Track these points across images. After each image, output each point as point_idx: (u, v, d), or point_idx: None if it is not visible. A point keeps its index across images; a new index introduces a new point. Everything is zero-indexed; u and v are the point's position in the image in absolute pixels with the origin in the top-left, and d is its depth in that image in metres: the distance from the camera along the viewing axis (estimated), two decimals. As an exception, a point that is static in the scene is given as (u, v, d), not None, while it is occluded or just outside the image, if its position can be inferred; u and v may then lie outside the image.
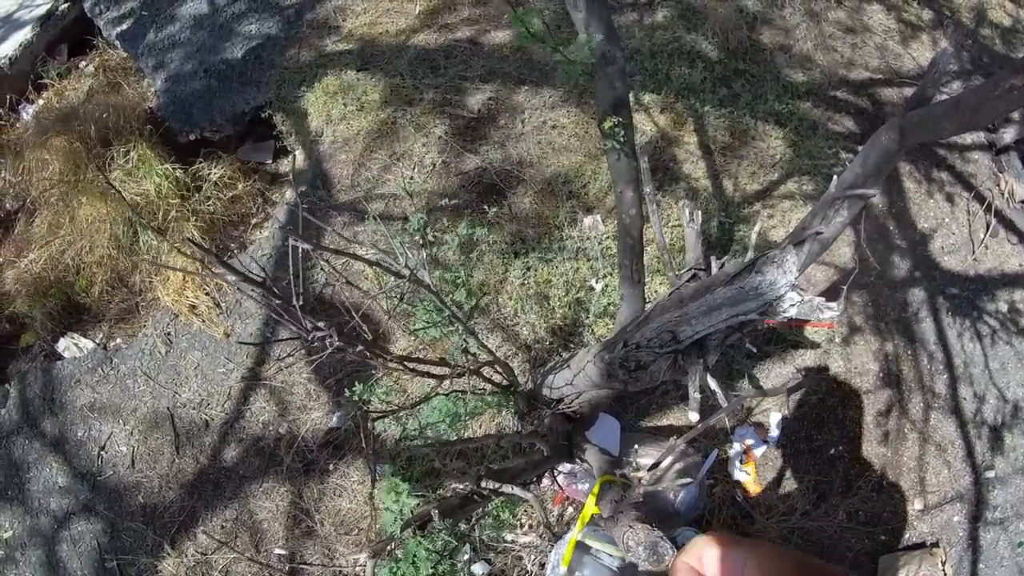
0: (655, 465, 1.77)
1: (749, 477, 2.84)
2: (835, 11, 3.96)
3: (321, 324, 1.09)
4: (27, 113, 4.16)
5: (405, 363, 1.44)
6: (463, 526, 1.54)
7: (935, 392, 3.10)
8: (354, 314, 1.37)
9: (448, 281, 1.85)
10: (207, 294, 3.37)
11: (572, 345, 3.01)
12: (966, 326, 3.23)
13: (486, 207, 3.23)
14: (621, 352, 1.74)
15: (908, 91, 3.73)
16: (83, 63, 4.34)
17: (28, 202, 3.77)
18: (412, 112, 3.55)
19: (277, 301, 1.03)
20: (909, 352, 3.15)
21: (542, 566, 2.68)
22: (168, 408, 3.22)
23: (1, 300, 3.56)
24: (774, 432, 2.95)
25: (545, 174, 3.37)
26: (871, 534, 2.87)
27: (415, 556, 1.34)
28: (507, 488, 1.42)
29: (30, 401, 3.36)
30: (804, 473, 2.93)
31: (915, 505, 2.93)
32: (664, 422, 2.97)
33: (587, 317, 3.06)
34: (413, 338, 2.89)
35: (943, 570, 2.79)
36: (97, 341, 3.47)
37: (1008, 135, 3.62)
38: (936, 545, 2.87)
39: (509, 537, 2.65)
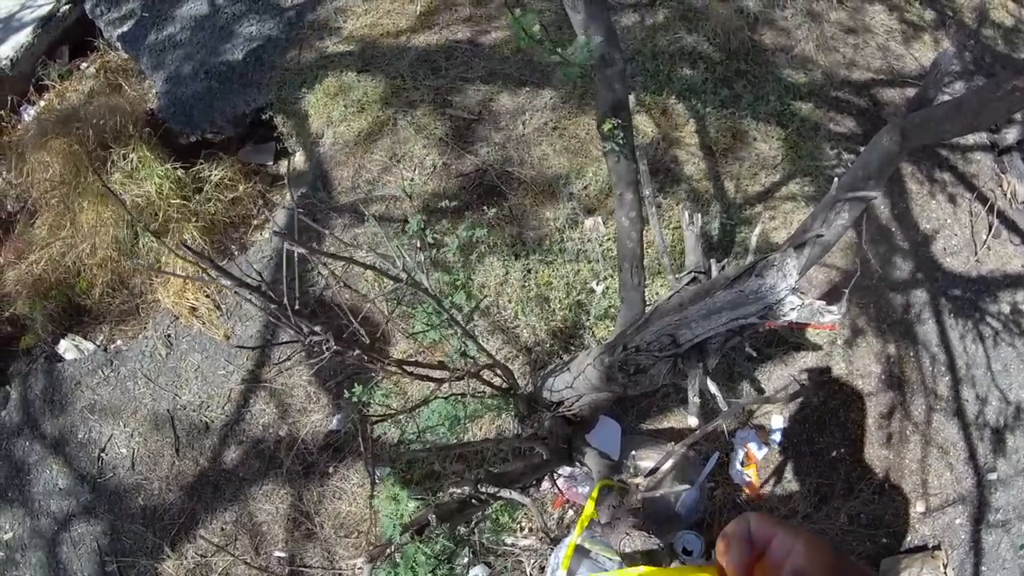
0: (653, 471, 1.76)
1: (750, 480, 2.83)
2: (836, 11, 3.95)
3: (317, 328, 1.08)
4: (28, 115, 4.16)
5: (403, 366, 1.43)
6: (462, 529, 1.53)
7: (937, 394, 3.09)
8: (352, 317, 1.36)
9: (448, 283, 1.85)
10: (207, 296, 3.37)
11: (573, 348, 3.01)
12: (968, 328, 3.22)
13: (486, 208, 3.25)
14: (620, 355, 1.74)
15: (910, 92, 3.72)
16: (84, 64, 4.34)
17: (29, 204, 3.77)
18: (413, 113, 3.54)
19: (273, 305, 1.03)
20: (911, 354, 3.14)
21: (542, 569, 2.68)
22: (168, 410, 3.22)
23: (2, 302, 3.56)
24: (775, 435, 2.94)
25: (546, 175, 3.36)
26: (873, 537, 2.86)
27: (414, 561, 1.34)
28: (505, 492, 1.41)
29: (31, 403, 3.36)
30: (805, 476, 2.92)
31: (917, 508, 2.92)
32: (665, 425, 2.96)
33: (588, 319, 3.05)
34: (413, 341, 2.89)
35: (945, 573, 2.78)
36: (98, 343, 3.47)
37: (1011, 136, 3.60)
38: (938, 548, 2.85)
39: (509, 540, 2.65)
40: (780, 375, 3.05)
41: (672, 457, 1.63)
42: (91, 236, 3.40)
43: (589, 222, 3.24)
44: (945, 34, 3.98)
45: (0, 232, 3.83)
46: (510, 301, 3.10)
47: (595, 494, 1.65)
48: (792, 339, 3.09)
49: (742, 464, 2.85)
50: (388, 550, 1.30)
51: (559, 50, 1.27)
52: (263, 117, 3.80)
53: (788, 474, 2.93)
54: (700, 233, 1.98)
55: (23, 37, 4.17)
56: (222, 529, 2.98)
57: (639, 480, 1.64)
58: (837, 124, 3.58)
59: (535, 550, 2.70)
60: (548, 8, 3.83)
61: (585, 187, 3.32)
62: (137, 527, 3.04)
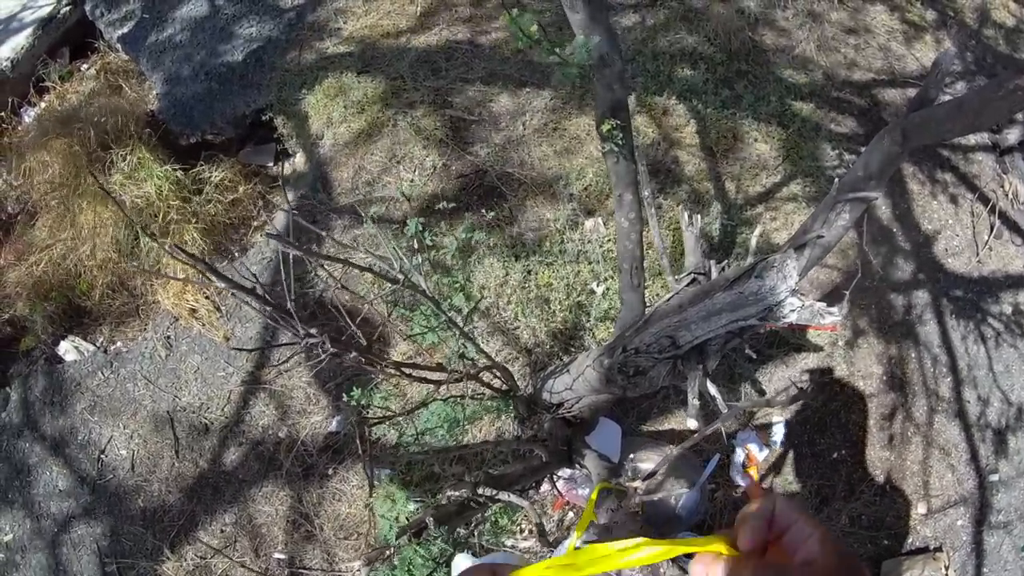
0: (651, 474, 1.76)
1: (751, 481, 2.83)
2: (837, 12, 3.94)
3: (314, 330, 1.08)
4: (28, 116, 4.16)
5: (401, 368, 1.42)
6: (462, 531, 1.52)
7: (939, 395, 3.08)
8: (350, 319, 1.36)
9: (447, 285, 1.84)
10: (207, 298, 3.36)
11: (573, 349, 3.00)
12: (970, 328, 3.21)
13: (486, 210, 3.24)
14: (620, 357, 1.73)
15: (911, 92, 3.71)
16: (85, 66, 4.34)
17: (29, 205, 3.77)
18: (413, 114, 3.54)
19: (268, 308, 1.02)
20: (913, 355, 3.13)
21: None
22: (168, 412, 3.21)
23: (2, 303, 3.56)
24: (776, 436, 2.93)
25: (546, 176, 3.36)
26: (874, 539, 2.85)
27: (411, 563, 1.33)
28: (504, 495, 1.40)
29: (31, 404, 3.36)
30: (807, 477, 2.91)
31: (918, 509, 2.91)
32: (666, 426, 2.95)
33: (588, 321, 3.05)
34: (412, 342, 2.88)
35: (946, 574, 2.77)
36: (98, 344, 3.47)
37: (1012, 136, 3.59)
38: (939, 549, 2.84)
39: (508, 543, 2.64)
40: (781, 376, 3.04)
41: (669, 461, 1.62)
42: (91, 237, 3.40)
43: (589, 223, 3.24)
44: (946, 34, 3.97)
45: (0, 234, 3.83)
46: (510, 302, 3.09)
47: (594, 497, 1.64)
48: (793, 340, 3.08)
49: (743, 466, 2.84)
50: (386, 553, 1.29)
51: (557, 50, 1.26)
52: (263, 118, 3.80)
53: (789, 476, 2.92)
54: (700, 234, 1.97)
55: (23, 38, 4.17)
56: (222, 531, 2.98)
57: (637, 483, 1.63)
58: (838, 124, 3.57)
59: (535, 552, 2.69)
60: (548, 8, 3.82)
61: (585, 188, 3.32)
62: (137, 529, 3.04)
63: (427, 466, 2.63)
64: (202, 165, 3.60)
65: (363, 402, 1.70)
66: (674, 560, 2.09)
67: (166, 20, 4.11)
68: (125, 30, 4.12)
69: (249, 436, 3.10)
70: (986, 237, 3.40)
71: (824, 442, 2.97)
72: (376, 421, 1.50)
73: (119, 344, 3.46)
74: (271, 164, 3.87)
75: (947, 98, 2.00)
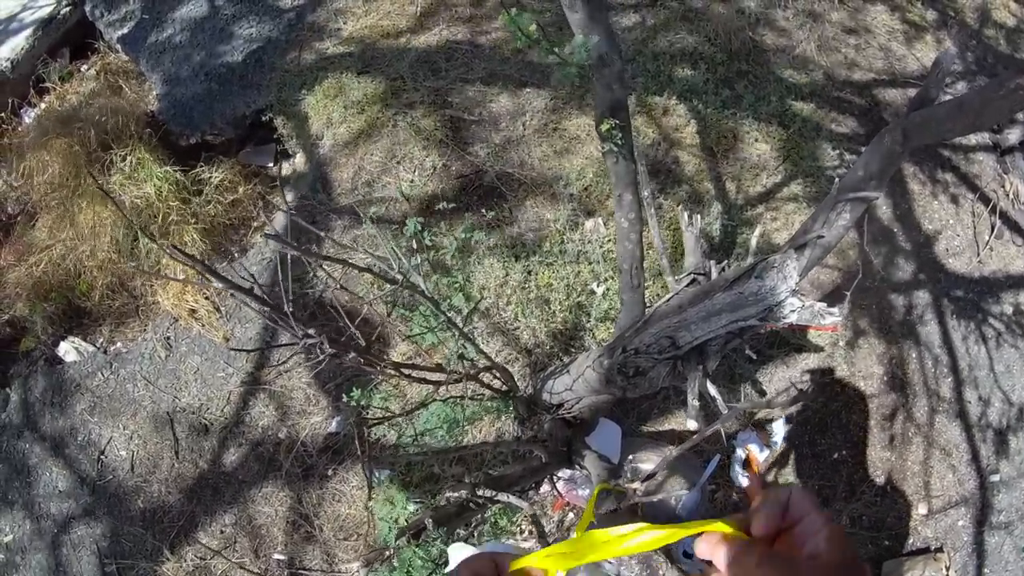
0: (650, 475, 1.75)
1: (753, 476, 2.82)
2: (837, 12, 3.94)
3: (311, 331, 1.07)
4: (28, 117, 4.16)
5: (400, 369, 1.42)
6: (461, 532, 1.52)
7: (940, 396, 3.07)
8: (348, 320, 1.35)
9: (446, 286, 1.84)
10: (207, 298, 3.36)
11: (573, 350, 2.99)
12: (971, 329, 3.20)
13: (486, 210, 3.24)
14: (620, 358, 1.73)
15: (912, 92, 3.71)
16: (85, 67, 4.34)
17: (29, 206, 3.77)
18: (413, 115, 3.54)
19: (266, 308, 1.02)
20: (914, 355, 3.12)
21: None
22: (168, 412, 3.21)
23: (2, 304, 3.56)
24: (777, 437, 2.93)
25: (546, 177, 3.35)
26: (875, 539, 2.84)
27: (410, 565, 1.33)
28: (502, 496, 1.40)
29: (31, 405, 3.36)
30: (807, 478, 2.90)
31: (919, 510, 2.91)
32: (666, 427, 2.94)
33: (588, 321, 3.04)
34: (412, 343, 2.88)
35: (947, 575, 2.77)
36: (98, 345, 3.46)
37: (1013, 136, 3.59)
38: (940, 550, 2.84)
39: (508, 543, 2.63)
40: (782, 376, 3.04)
41: (667, 462, 1.62)
42: (91, 238, 3.39)
43: (589, 223, 3.23)
44: (947, 34, 3.97)
45: (0, 234, 3.83)
46: (510, 303, 3.09)
47: (594, 498, 1.64)
48: (794, 340, 3.07)
49: (743, 466, 2.84)
50: (385, 554, 1.29)
51: (556, 50, 1.26)
52: (263, 119, 3.80)
53: (790, 476, 2.92)
54: (700, 234, 1.96)
55: (23, 39, 4.17)
56: (221, 532, 2.98)
57: (636, 484, 1.63)
58: (839, 125, 3.57)
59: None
60: (549, 8, 3.82)
61: (586, 188, 3.31)
62: (136, 529, 3.03)
63: (427, 467, 2.63)
64: (202, 166, 3.60)
65: (363, 403, 1.69)
66: (673, 562, 2.09)
67: (166, 21, 4.11)
68: (125, 31, 4.12)
69: (249, 437, 3.10)
70: (987, 237, 3.40)
71: (825, 442, 2.97)
72: (375, 422, 1.50)
73: (119, 345, 3.46)
74: (271, 165, 3.87)
75: (948, 98, 2.00)
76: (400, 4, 3.97)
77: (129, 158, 3.47)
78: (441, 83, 3.63)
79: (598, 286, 3.10)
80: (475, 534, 1.54)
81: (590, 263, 3.14)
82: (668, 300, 1.71)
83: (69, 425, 3.27)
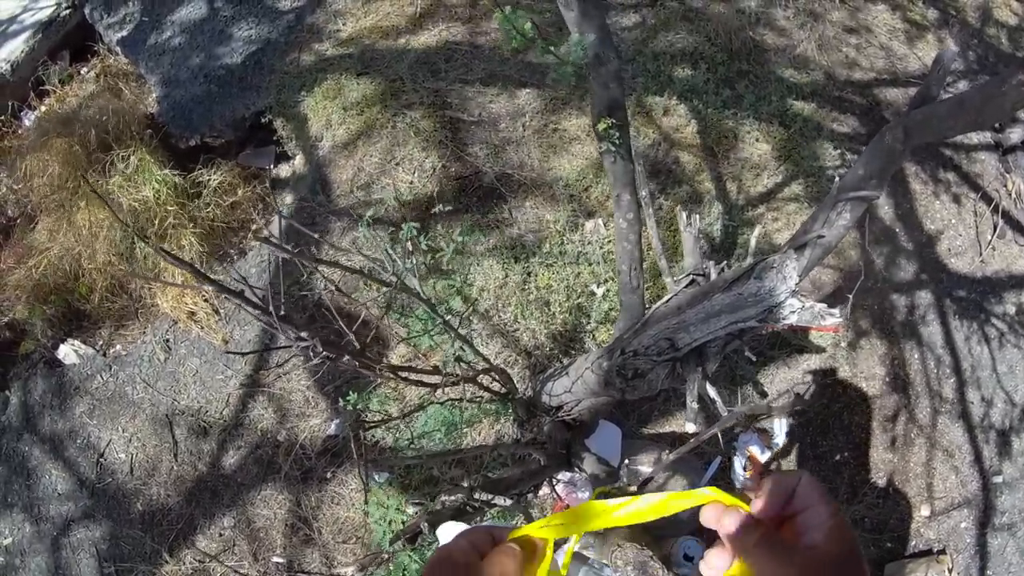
0: (647, 481, 1.74)
1: (753, 484, 2.80)
2: (838, 11, 3.92)
3: (304, 334, 1.06)
4: (28, 119, 4.16)
5: (397, 372, 1.41)
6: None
7: (942, 396, 3.05)
8: (346, 322, 1.34)
9: (444, 287, 1.83)
10: (206, 301, 3.35)
11: (573, 351, 2.98)
12: (973, 329, 3.19)
13: (485, 211, 3.22)
14: (618, 360, 1.71)
15: (913, 91, 3.68)
16: (84, 69, 4.33)
17: (29, 208, 3.76)
18: (412, 116, 3.53)
19: (257, 311, 1.01)
20: (916, 356, 3.10)
21: None
22: (167, 415, 3.20)
23: (1, 306, 3.55)
24: (778, 438, 2.91)
25: (546, 178, 3.34)
26: (877, 541, 2.82)
27: (405, 569, 1.31)
28: (499, 500, 1.38)
29: (30, 408, 3.35)
30: (809, 479, 2.88)
31: (922, 511, 2.89)
32: (667, 429, 2.93)
33: (588, 323, 3.03)
34: (410, 345, 2.86)
35: (951, 578, 2.75)
36: (97, 348, 3.46)
37: (1015, 135, 3.57)
38: (943, 552, 2.82)
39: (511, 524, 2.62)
40: (783, 378, 3.02)
41: (664, 466, 1.60)
42: (90, 240, 3.39)
43: (589, 224, 3.22)
44: (948, 33, 3.95)
45: (0, 237, 3.83)
46: (509, 304, 3.08)
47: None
48: (795, 341, 3.05)
49: (744, 468, 2.82)
50: (380, 558, 1.27)
51: (552, 48, 1.25)
52: (263, 121, 3.79)
53: (791, 478, 2.89)
54: (699, 235, 1.95)
55: (24, 41, 4.17)
56: (220, 534, 2.97)
57: (633, 489, 1.61)
58: (840, 124, 3.55)
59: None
60: (549, 8, 3.80)
61: (586, 189, 3.30)
62: (136, 532, 3.03)
63: (426, 469, 2.62)
64: (201, 168, 3.59)
65: (360, 405, 1.68)
66: (670, 567, 2.08)
67: (165, 23, 4.10)
68: (124, 33, 4.11)
69: (248, 439, 3.09)
70: (989, 237, 3.38)
71: (827, 444, 2.95)
72: (371, 425, 1.49)
73: (118, 347, 3.46)
74: (271, 166, 3.86)
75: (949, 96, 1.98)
76: (399, 5, 3.96)
77: (130, 159, 3.46)
78: (440, 84, 3.62)
79: (598, 287, 3.08)
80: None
81: (590, 264, 3.12)
82: (667, 301, 1.70)
83: (68, 428, 3.27)
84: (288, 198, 3.64)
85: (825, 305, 1.52)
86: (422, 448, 1.71)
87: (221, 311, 3.36)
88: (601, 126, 1.53)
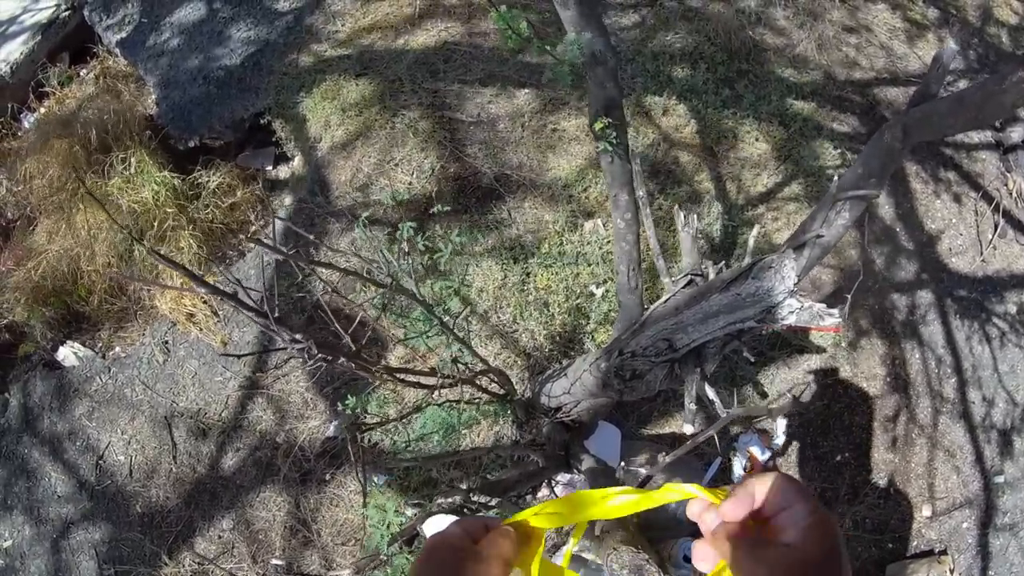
0: (647, 480, 1.73)
1: (753, 461, 2.79)
2: (838, 10, 3.91)
3: (299, 336, 1.06)
4: (28, 121, 4.16)
5: (394, 374, 1.40)
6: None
7: (943, 396, 3.04)
8: (343, 324, 1.33)
9: (441, 289, 1.82)
10: (205, 303, 3.34)
11: (572, 352, 2.97)
12: (974, 328, 3.17)
13: (484, 212, 3.22)
14: (616, 361, 1.70)
15: (914, 90, 3.67)
16: (84, 71, 4.33)
17: (28, 210, 3.76)
18: (411, 116, 3.52)
19: (252, 313, 1.00)
20: (917, 356, 3.09)
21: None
22: (166, 417, 3.20)
23: (1, 308, 3.55)
24: (779, 439, 2.90)
25: (544, 178, 3.33)
26: (878, 542, 2.81)
27: (403, 571, 1.31)
28: (496, 502, 1.38)
29: (30, 410, 3.35)
30: (809, 480, 2.87)
31: (923, 512, 2.88)
32: (666, 429, 2.92)
33: (588, 324, 3.02)
34: (407, 347, 2.86)
35: (953, 579, 2.74)
36: (96, 350, 3.45)
37: (1016, 134, 3.55)
38: (944, 552, 2.81)
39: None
40: (784, 378, 3.01)
41: (660, 467, 1.59)
42: (90, 242, 3.38)
43: (588, 225, 3.21)
44: (948, 32, 3.94)
45: (0, 239, 3.82)
46: (508, 305, 3.07)
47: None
48: (796, 341, 3.05)
49: (745, 469, 2.81)
50: (376, 561, 1.27)
51: (549, 48, 1.24)
52: (262, 122, 3.78)
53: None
54: (697, 234, 1.94)
55: (23, 43, 4.16)
56: (219, 536, 2.96)
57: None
58: (840, 123, 3.54)
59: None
60: (549, 8, 3.80)
61: (585, 190, 3.29)
62: (135, 534, 3.02)
63: (425, 471, 2.61)
64: (200, 170, 3.59)
65: (359, 407, 1.67)
66: (666, 571, 2.06)
67: (163, 24, 4.10)
68: (123, 35, 4.11)
69: (247, 441, 3.09)
70: (990, 236, 3.37)
71: (827, 444, 2.94)
72: (368, 427, 1.48)
73: (117, 349, 3.45)
74: (270, 168, 3.85)
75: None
76: (398, 6, 3.95)
77: (129, 160, 3.46)
78: (439, 84, 3.62)
79: (597, 288, 3.08)
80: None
81: (589, 265, 3.11)
82: (664, 302, 1.69)
83: (68, 430, 3.26)
84: (287, 199, 3.63)
85: (824, 305, 1.52)
86: (420, 450, 1.70)
87: (220, 313, 3.35)
88: (598, 126, 1.52)
